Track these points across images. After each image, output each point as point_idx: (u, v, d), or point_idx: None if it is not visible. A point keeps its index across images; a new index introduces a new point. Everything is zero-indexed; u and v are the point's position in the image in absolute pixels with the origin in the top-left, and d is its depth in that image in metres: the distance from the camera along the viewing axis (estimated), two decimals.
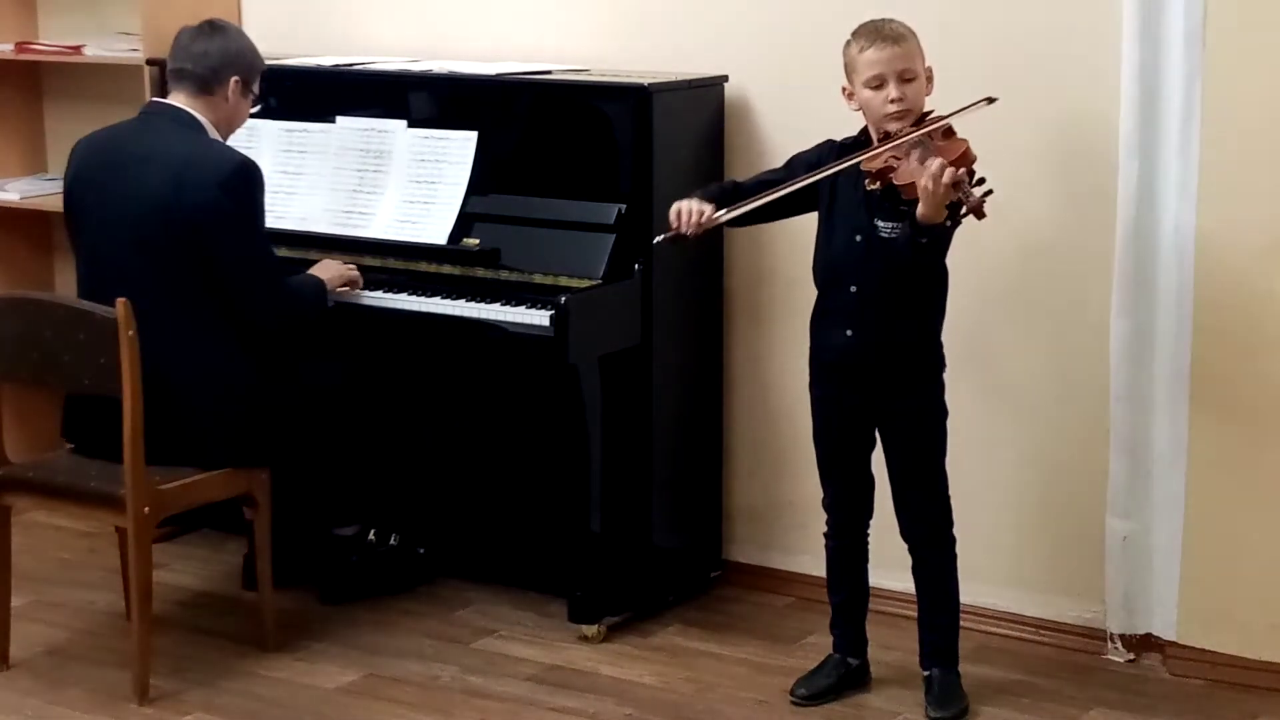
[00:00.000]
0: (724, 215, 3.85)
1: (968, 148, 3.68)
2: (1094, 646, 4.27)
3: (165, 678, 4.13)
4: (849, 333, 3.85)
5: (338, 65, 4.83)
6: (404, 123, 4.62)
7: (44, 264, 5.62)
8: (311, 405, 4.32)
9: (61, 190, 4.29)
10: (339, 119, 4.71)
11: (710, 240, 4.55)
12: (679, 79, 4.41)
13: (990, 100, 3.76)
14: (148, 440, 3.91)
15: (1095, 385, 4.19)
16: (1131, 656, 4.23)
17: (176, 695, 4.08)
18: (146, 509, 3.95)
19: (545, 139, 4.52)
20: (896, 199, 3.73)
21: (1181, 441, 4.09)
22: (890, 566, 4.08)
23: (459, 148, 4.52)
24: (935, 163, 3.58)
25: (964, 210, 3.63)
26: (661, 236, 3.90)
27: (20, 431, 4.87)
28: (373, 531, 4.68)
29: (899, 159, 3.71)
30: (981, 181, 3.64)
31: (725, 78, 4.51)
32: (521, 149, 4.54)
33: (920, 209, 3.62)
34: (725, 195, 3.91)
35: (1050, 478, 4.32)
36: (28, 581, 4.60)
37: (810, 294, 4.51)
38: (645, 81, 4.31)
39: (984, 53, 4.18)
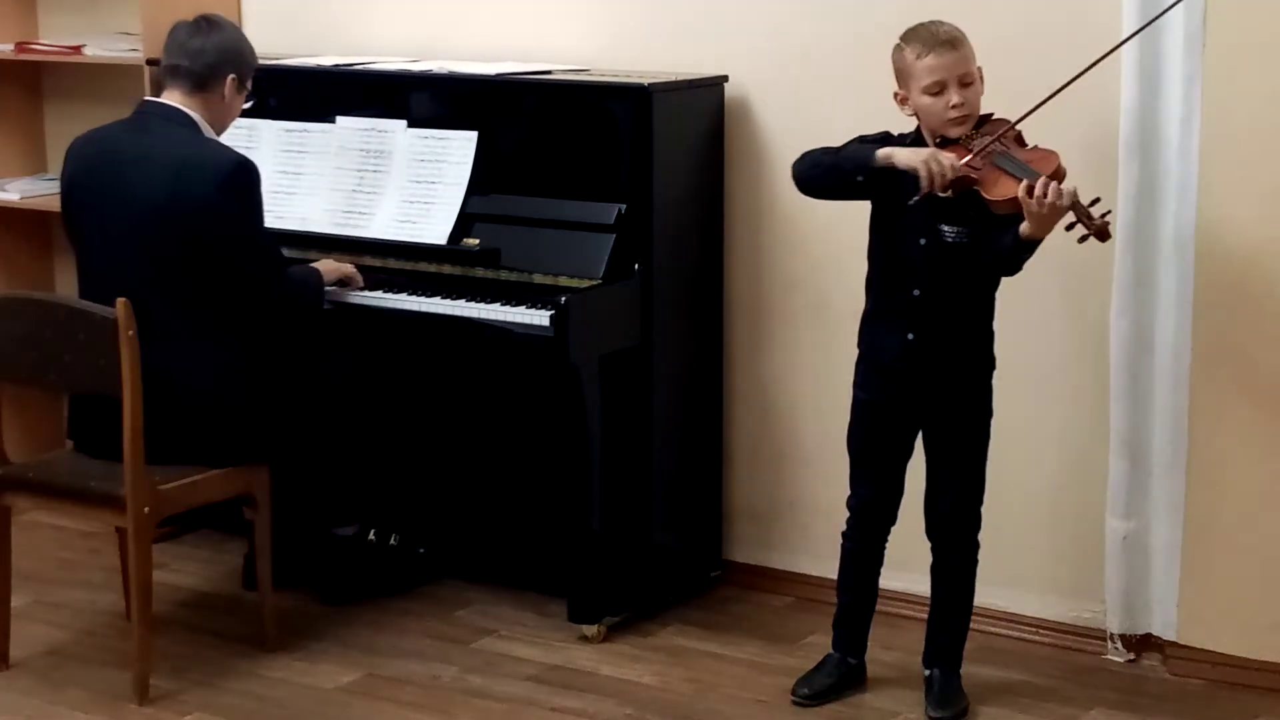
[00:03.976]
0: (968, 157, 3.65)
1: (1060, 159, 3.64)
2: (1094, 646, 4.27)
3: (165, 678, 4.13)
4: (910, 336, 3.81)
5: (338, 65, 4.83)
6: (404, 123, 4.61)
7: (44, 264, 5.61)
8: (311, 404, 4.33)
9: (60, 191, 4.29)
10: (339, 119, 4.71)
11: (710, 241, 4.56)
12: (679, 79, 4.41)
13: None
14: (148, 439, 3.91)
15: (1095, 385, 4.19)
16: (1131, 656, 4.23)
17: (176, 695, 4.08)
18: (146, 509, 3.95)
19: (545, 139, 4.52)
20: (967, 204, 3.68)
21: (1181, 441, 4.09)
22: (891, 566, 4.08)
23: (459, 148, 4.51)
24: (1050, 185, 3.52)
25: (1085, 234, 3.59)
26: (916, 198, 3.67)
27: (20, 431, 4.87)
28: (373, 531, 4.68)
29: (978, 168, 3.65)
30: (1096, 201, 3.61)
31: (725, 78, 4.51)
32: (521, 149, 4.53)
33: (1029, 228, 3.58)
34: (894, 142, 3.76)
35: (1050, 478, 4.32)
36: (28, 581, 4.60)
37: (809, 295, 4.52)
38: (645, 81, 4.30)
39: (983, 53, 4.16)
